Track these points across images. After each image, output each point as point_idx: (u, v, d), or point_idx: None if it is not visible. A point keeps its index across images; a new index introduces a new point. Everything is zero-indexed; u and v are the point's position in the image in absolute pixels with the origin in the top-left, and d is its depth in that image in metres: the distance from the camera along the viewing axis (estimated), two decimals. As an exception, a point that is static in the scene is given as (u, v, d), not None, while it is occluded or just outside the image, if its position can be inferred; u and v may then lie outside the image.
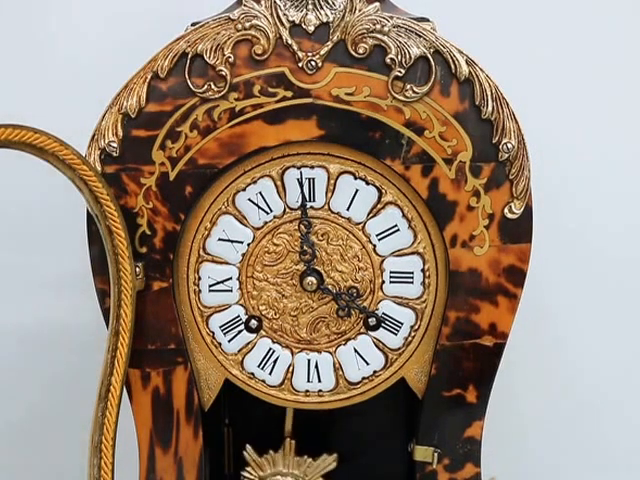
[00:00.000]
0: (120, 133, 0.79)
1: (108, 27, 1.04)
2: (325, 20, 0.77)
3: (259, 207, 0.82)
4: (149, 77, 0.78)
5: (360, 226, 0.82)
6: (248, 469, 0.90)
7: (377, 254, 0.82)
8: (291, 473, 0.90)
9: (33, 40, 1.10)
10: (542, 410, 1.26)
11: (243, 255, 0.83)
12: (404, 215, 0.81)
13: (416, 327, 0.84)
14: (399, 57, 0.77)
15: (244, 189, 0.81)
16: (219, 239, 0.83)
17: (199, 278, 0.84)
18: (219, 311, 0.84)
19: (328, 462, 0.90)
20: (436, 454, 0.84)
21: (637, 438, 1.28)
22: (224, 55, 0.77)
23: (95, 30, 1.07)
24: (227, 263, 0.83)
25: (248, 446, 0.90)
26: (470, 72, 0.77)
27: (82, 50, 1.02)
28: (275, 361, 0.85)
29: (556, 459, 1.25)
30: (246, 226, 0.82)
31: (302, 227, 0.82)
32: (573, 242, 1.18)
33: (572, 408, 1.26)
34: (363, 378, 0.85)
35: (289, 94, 0.78)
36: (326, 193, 0.81)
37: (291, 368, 0.85)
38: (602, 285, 1.20)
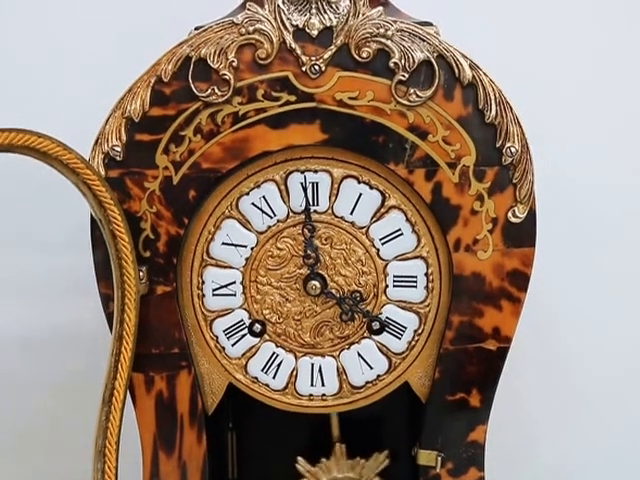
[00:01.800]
0: (124, 137, 0.78)
1: (112, 31, 1.02)
2: (329, 24, 0.76)
3: (263, 211, 0.81)
4: (153, 81, 0.77)
5: (364, 230, 0.81)
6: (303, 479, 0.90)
7: (381, 258, 0.81)
8: (347, 477, 0.91)
9: (37, 44, 1.08)
10: (546, 413, 1.24)
11: (247, 259, 0.82)
12: (407, 219, 0.80)
13: (420, 331, 0.83)
14: (402, 61, 0.76)
15: (248, 193, 0.81)
16: (223, 243, 0.82)
17: (203, 282, 0.83)
18: (223, 315, 0.83)
19: (381, 460, 0.91)
20: (440, 458, 0.83)
21: None
22: (228, 59, 0.76)
23: (99, 34, 1.06)
24: (231, 267, 0.82)
25: (300, 458, 0.91)
26: (473, 76, 0.76)
27: (85, 54, 1.00)
28: (279, 365, 0.84)
29: (561, 463, 1.22)
30: (250, 230, 0.81)
31: (306, 231, 0.81)
32: (577, 244, 1.16)
33: (577, 411, 1.26)
34: (367, 382, 0.84)
35: (292, 98, 0.77)
36: (330, 197, 0.80)
37: (295, 372, 0.84)
38: (606, 286, 1.18)
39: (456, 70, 0.76)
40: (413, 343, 0.84)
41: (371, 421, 0.92)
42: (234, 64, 0.77)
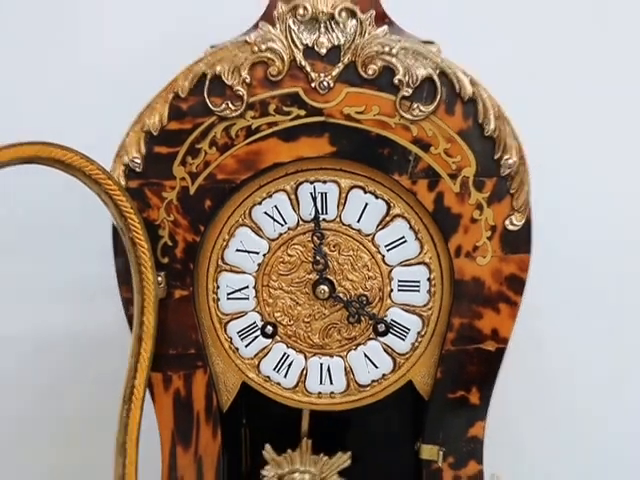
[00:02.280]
0: (143, 150, 0.78)
1: (131, 49, 1.03)
2: (336, 43, 0.76)
3: (274, 220, 0.81)
4: (170, 97, 0.77)
5: (370, 237, 0.81)
6: (267, 467, 0.90)
7: (386, 264, 0.81)
8: (308, 471, 0.89)
9: (64, 65, 1.10)
10: (538, 411, 1.25)
11: (259, 265, 0.82)
12: (411, 227, 0.80)
13: (422, 333, 0.83)
14: (406, 78, 0.76)
15: (260, 202, 0.81)
16: (236, 250, 0.82)
17: (217, 287, 0.83)
18: (236, 318, 0.84)
19: (343, 459, 0.90)
20: (441, 453, 0.84)
21: (624, 436, 1.27)
22: (241, 76, 0.76)
23: (119, 53, 1.06)
24: (244, 272, 0.82)
25: (267, 446, 0.89)
26: (474, 92, 0.76)
27: (106, 71, 1.01)
28: (289, 365, 0.84)
29: (552, 456, 1.24)
30: (262, 237, 0.81)
31: (315, 239, 0.81)
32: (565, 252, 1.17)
33: (567, 409, 1.26)
34: (372, 381, 0.84)
35: (302, 113, 0.77)
36: (338, 206, 0.80)
37: (305, 371, 0.84)
38: (592, 293, 1.20)
39: (457, 86, 0.76)
40: (416, 344, 0.84)
41: (374, 417, 0.92)
42: (247, 80, 0.77)
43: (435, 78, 0.76)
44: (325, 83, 0.76)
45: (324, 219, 0.81)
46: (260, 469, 0.91)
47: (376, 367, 0.84)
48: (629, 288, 1.21)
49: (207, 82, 0.77)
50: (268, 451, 0.89)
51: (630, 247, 1.20)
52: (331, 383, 0.85)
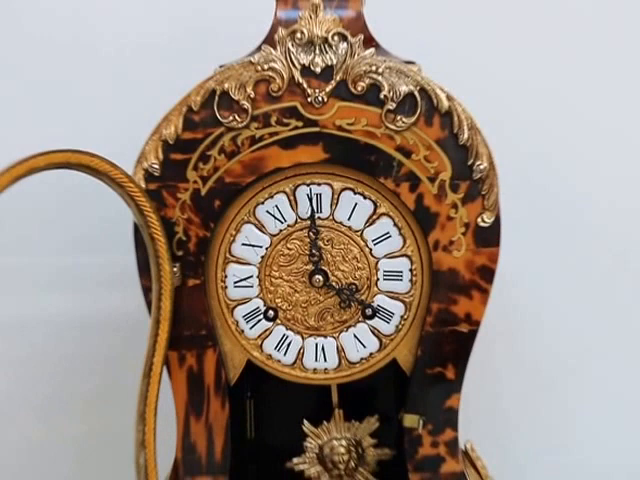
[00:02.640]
0: (160, 156, 0.79)
1: (152, 69, 1.05)
2: (330, 63, 0.76)
3: (275, 217, 0.82)
4: (184, 110, 0.78)
5: (359, 233, 0.81)
6: (309, 439, 0.91)
7: (373, 256, 0.82)
8: (344, 437, 0.90)
9: (87, 87, 1.11)
10: (513, 381, 1.22)
11: (262, 257, 0.83)
12: (395, 224, 0.81)
13: (405, 317, 0.83)
14: (391, 93, 0.76)
15: (263, 202, 0.81)
16: (242, 244, 0.82)
17: (225, 276, 0.83)
18: (242, 303, 0.84)
19: (372, 423, 0.90)
20: (421, 421, 0.84)
21: (602, 402, 1.24)
22: (246, 92, 0.77)
23: (140, 72, 1.07)
24: (249, 264, 0.83)
25: (305, 421, 0.91)
26: (449, 106, 0.76)
27: (128, 87, 1.03)
28: (288, 345, 0.85)
29: (527, 423, 1.23)
30: (264, 233, 0.82)
31: (311, 234, 0.81)
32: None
33: (542, 377, 1.23)
34: (361, 359, 0.85)
35: (300, 124, 0.78)
36: (331, 206, 0.81)
37: (302, 350, 0.85)
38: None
39: (435, 101, 0.77)
40: (400, 326, 0.84)
41: (365, 391, 0.92)
42: (251, 96, 0.77)
43: (416, 94, 0.77)
44: (320, 98, 0.77)
45: (319, 217, 0.82)
46: (262, 435, 0.92)
47: (364, 347, 0.85)
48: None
49: (216, 97, 0.78)
50: (307, 426, 0.91)
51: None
52: (325, 360, 0.85)
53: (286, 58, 0.77)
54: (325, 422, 0.91)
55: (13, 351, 1.15)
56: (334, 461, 0.90)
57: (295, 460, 0.92)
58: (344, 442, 0.90)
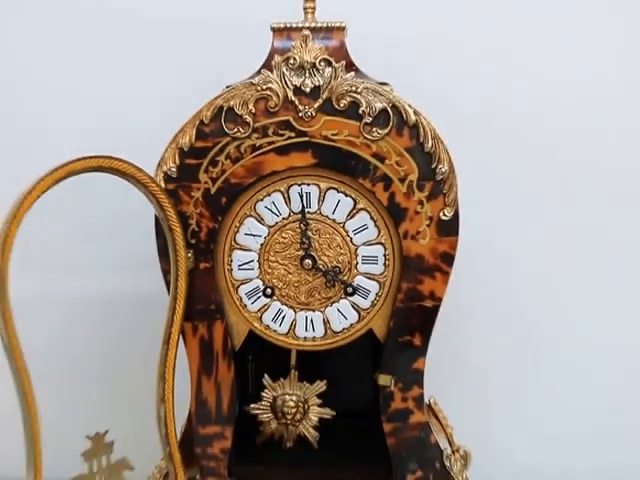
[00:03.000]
0: (177, 161, 0.80)
1: (171, 91, 1.06)
2: (317, 84, 0.78)
3: (272, 212, 0.83)
4: (197, 123, 0.79)
5: (341, 225, 0.83)
6: (266, 390, 0.90)
7: (353, 244, 0.83)
8: (295, 394, 0.89)
9: (118, 109, 1.12)
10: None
11: (261, 245, 0.84)
12: (372, 217, 0.82)
13: (380, 294, 0.84)
14: (368, 109, 0.78)
15: (262, 199, 0.83)
16: (245, 234, 0.84)
17: (231, 260, 0.84)
18: (245, 283, 0.85)
19: (320, 386, 0.90)
20: (393, 380, 0.85)
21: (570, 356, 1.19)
22: (248, 108, 0.79)
23: (162, 93, 1.08)
24: (250, 250, 0.84)
25: (266, 375, 0.90)
26: (416, 120, 0.78)
27: (151, 105, 1.05)
28: (283, 317, 0.86)
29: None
30: (263, 225, 0.83)
31: (302, 225, 0.83)
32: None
33: (497, 341, 1.20)
34: (343, 329, 0.86)
35: (292, 134, 0.79)
36: (318, 202, 0.82)
37: (294, 322, 0.86)
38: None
39: (404, 115, 0.79)
40: (375, 302, 0.85)
41: (343, 357, 0.92)
42: (252, 111, 0.79)
43: (389, 110, 0.79)
44: (309, 113, 0.79)
45: (308, 211, 0.83)
46: (261, 392, 0.91)
47: (346, 319, 0.86)
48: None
49: (224, 112, 0.79)
50: (266, 379, 0.91)
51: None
52: (313, 330, 0.86)
53: (281, 80, 0.79)
54: (282, 379, 0.90)
55: (57, 323, 1.15)
56: (283, 412, 0.90)
57: (252, 405, 0.90)
58: (294, 398, 0.90)
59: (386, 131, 0.79)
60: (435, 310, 0.83)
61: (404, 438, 0.87)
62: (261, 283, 0.85)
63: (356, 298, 0.85)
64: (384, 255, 0.84)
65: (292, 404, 0.90)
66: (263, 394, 0.91)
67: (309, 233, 0.83)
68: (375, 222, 0.83)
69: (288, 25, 0.81)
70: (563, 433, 1.19)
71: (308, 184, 0.82)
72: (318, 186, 0.82)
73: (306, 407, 0.90)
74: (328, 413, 0.90)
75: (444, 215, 0.81)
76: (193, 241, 0.82)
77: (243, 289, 0.85)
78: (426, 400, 0.88)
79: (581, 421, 1.20)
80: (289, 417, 0.90)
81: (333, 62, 0.78)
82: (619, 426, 1.20)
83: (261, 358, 0.94)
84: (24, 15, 1.13)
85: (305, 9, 0.83)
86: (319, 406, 0.91)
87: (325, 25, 0.81)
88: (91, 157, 0.71)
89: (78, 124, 1.12)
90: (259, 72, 0.80)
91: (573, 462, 1.18)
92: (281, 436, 0.92)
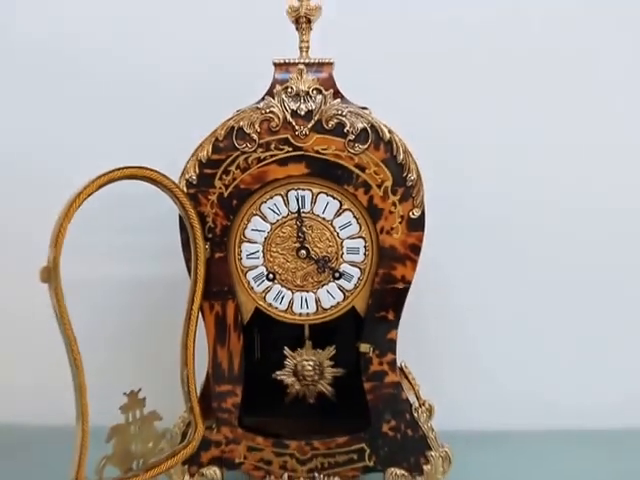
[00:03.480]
0: (197, 171, 0.81)
1: (191, 113, 1.04)
2: (310, 108, 0.80)
3: (274, 211, 0.84)
4: (213, 140, 0.81)
5: (330, 222, 0.83)
6: (287, 359, 0.92)
7: (339, 238, 0.84)
8: (311, 359, 0.91)
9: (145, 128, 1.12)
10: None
11: (265, 238, 0.84)
12: (354, 216, 0.83)
13: (361, 278, 0.85)
14: (351, 129, 0.80)
15: (265, 201, 0.83)
16: (252, 229, 0.84)
17: (240, 251, 0.85)
18: (252, 269, 0.85)
19: (330, 350, 0.92)
20: (371, 348, 0.86)
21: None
22: (255, 128, 0.80)
23: (185, 116, 1.07)
24: (256, 243, 0.84)
25: (286, 347, 0.92)
26: (390, 137, 0.80)
27: (178, 127, 1.02)
28: (283, 297, 0.86)
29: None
30: (266, 222, 0.84)
31: (298, 223, 0.83)
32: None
33: (455, 318, 1.16)
34: (331, 306, 0.86)
35: (290, 149, 0.81)
36: (311, 204, 0.83)
37: (292, 301, 0.86)
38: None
39: (381, 133, 0.81)
40: (357, 285, 0.86)
41: (334, 328, 0.92)
42: (258, 130, 0.81)
43: (368, 129, 0.81)
44: (304, 132, 0.80)
45: (303, 211, 0.84)
46: (267, 359, 0.94)
47: (333, 298, 0.86)
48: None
49: (235, 131, 0.81)
50: (287, 350, 0.93)
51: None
52: (307, 307, 0.87)
53: (281, 105, 0.80)
54: (299, 349, 0.93)
55: (92, 303, 1.12)
56: (304, 375, 0.92)
57: (278, 372, 0.93)
58: (311, 363, 0.92)
59: (366, 146, 0.80)
60: (405, 291, 0.84)
61: (380, 394, 0.88)
62: (265, 269, 0.86)
63: (342, 281, 0.86)
64: (364, 247, 0.84)
65: (310, 368, 0.92)
66: (286, 362, 0.93)
67: (304, 229, 0.83)
68: (357, 220, 0.84)
69: (287, 61, 0.82)
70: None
71: (303, 189, 0.83)
72: (311, 191, 0.83)
73: (321, 369, 0.92)
74: (339, 372, 0.93)
75: (413, 214, 0.82)
76: (210, 235, 0.83)
77: (250, 274, 0.86)
78: (398, 364, 0.89)
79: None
80: (309, 378, 0.92)
81: (323, 91, 0.80)
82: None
83: (264, 330, 0.95)
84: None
85: (300, 47, 0.84)
86: (331, 367, 0.93)
87: (317, 61, 0.82)
88: (127, 167, 0.73)
89: (124, 141, 1.11)
90: (263, 99, 0.82)
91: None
92: (304, 394, 0.94)
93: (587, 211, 1.13)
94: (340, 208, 0.84)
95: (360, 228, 0.84)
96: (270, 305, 0.87)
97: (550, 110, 1.11)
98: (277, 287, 0.86)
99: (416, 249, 0.83)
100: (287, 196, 0.83)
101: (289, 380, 0.94)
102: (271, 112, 0.80)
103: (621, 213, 1.14)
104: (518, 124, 1.12)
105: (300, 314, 0.87)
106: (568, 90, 1.11)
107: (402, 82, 1.10)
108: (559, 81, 1.11)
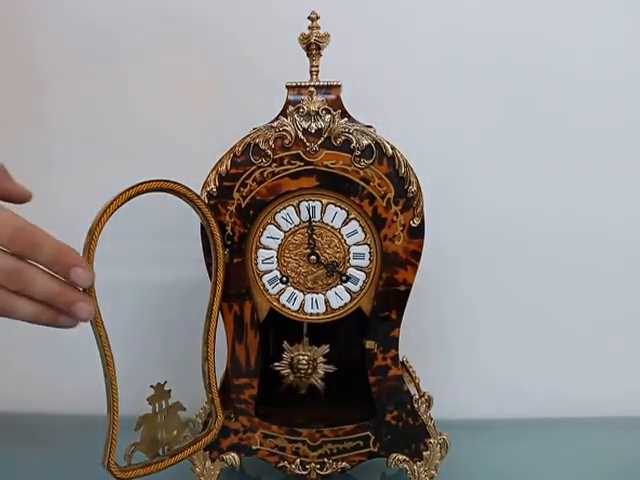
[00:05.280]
0: (217, 184, 0.80)
1: (211, 131, 1.03)
2: (320, 127, 0.79)
3: (287, 220, 0.83)
4: (231, 155, 0.80)
5: (338, 230, 0.83)
6: (285, 353, 0.91)
7: (346, 244, 0.83)
8: (306, 354, 0.90)
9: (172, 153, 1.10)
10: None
11: (279, 245, 0.83)
12: (360, 225, 0.82)
13: (366, 281, 0.84)
14: (357, 145, 0.79)
15: (279, 211, 0.82)
16: (267, 237, 0.83)
17: (257, 257, 0.84)
18: (267, 273, 0.85)
19: (325, 348, 0.91)
20: (376, 344, 0.85)
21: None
22: (269, 144, 0.79)
23: (206, 134, 1.05)
24: (271, 249, 0.84)
25: (285, 342, 0.91)
26: (393, 153, 0.79)
27: (200, 144, 0.99)
28: (295, 298, 0.85)
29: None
30: (280, 230, 0.83)
31: (309, 231, 0.82)
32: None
33: (454, 318, 1.15)
34: (340, 307, 0.85)
35: (302, 164, 0.80)
36: (321, 213, 0.82)
37: (303, 302, 0.85)
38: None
39: (384, 149, 0.80)
40: (363, 287, 0.85)
41: (339, 328, 0.92)
42: (272, 147, 0.80)
43: (372, 145, 0.79)
44: (314, 148, 0.80)
45: (314, 220, 0.83)
46: (280, 354, 0.92)
47: (341, 299, 0.86)
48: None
49: (251, 147, 0.80)
50: (286, 345, 0.92)
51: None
52: (317, 308, 0.86)
53: (293, 124, 0.79)
54: (296, 344, 0.91)
55: (118, 306, 1.09)
56: (298, 368, 0.91)
57: (276, 364, 0.92)
58: (306, 357, 0.91)
59: (371, 161, 0.79)
60: (407, 293, 0.84)
61: (384, 387, 0.87)
62: (279, 273, 0.85)
63: (349, 284, 0.85)
64: (369, 253, 0.83)
65: (304, 362, 0.91)
66: (283, 355, 0.92)
67: (314, 236, 0.83)
68: (363, 228, 0.83)
69: (299, 84, 0.81)
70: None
71: (313, 200, 0.82)
72: (321, 202, 0.82)
73: (315, 364, 0.91)
74: (331, 368, 0.92)
75: (413, 223, 0.81)
76: (229, 242, 0.83)
77: (265, 277, 0.85)
78: (401, 359, 0.88)
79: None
80: (302, 371, 0.91)
81: (331, 111, 0.79)
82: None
83: (279, 328, 0.93)
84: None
85: (311, 72, 0.84)
86: (324, 363, 0.92)
87: (326, 84, 0.81)
88: (154, 180, 0.72)
89: (155, 159, 1.10)
90: (277, 118, 0.81)
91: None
92: (297, 385, 0.93)
93: (587, 211, 1.11)
94: (347, 217, 0.83)
95: (365, 236, 0.83)
96: (284, 306, 0.86)
97: (550, 112, 1.08)
98: (290, 289, 0.86)
99: (416, 255, 0.82)
100: (299, 207, 0.83)
101: (285, 371, 0.92)
102: (284, 130, 0.79)
103: (621, 213, 1.11)
104: (518, 130, 1.10)
105: (311, 314, 0.86)
106: (568, 90, 1.08)
107: (403, 102, 1.08)
108: (559, 86, 1.07)
